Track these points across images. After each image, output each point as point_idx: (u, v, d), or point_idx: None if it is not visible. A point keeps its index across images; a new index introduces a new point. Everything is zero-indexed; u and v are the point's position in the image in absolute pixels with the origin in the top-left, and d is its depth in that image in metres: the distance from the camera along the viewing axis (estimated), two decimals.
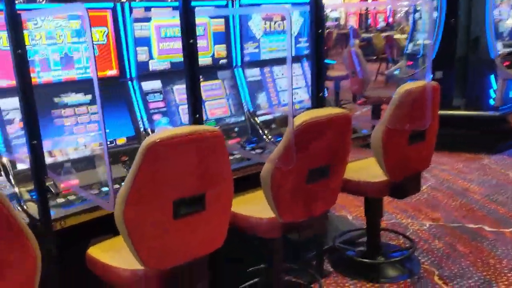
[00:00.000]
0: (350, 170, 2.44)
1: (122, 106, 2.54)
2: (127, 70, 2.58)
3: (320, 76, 2.50)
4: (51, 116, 2.29)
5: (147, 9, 2.63)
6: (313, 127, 1.94)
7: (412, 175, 2.71)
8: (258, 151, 2.73)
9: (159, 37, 2.68)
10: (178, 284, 1.79)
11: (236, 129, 2.87)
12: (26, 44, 2.18)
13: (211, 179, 1.74)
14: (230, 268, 2.57)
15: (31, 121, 1.71)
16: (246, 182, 2.36)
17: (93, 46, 1.37)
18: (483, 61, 5.19)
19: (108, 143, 2.42)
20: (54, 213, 1.90)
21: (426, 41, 5.63)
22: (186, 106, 2.10)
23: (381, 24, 16.51)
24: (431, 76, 3.01)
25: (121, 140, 2.48)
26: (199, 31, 2.83)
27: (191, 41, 1.99)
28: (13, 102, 2.08)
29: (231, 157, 2.49)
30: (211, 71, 2.91)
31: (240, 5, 2.95)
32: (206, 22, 2.87)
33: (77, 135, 2.35)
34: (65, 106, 2.35)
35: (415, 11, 6.25)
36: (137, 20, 2.57)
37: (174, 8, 2.71)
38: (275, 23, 3.20)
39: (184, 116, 2.68)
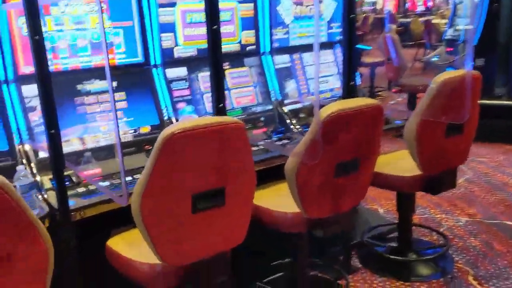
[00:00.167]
0: (381, 163, 2.32)
1: (146, 93, 2.49)
2: (152, 57, 2.52)
3: (351, 64, 2.37)
4: (74, 103, 2.25)
5: None
6: (341, 119, 1.83)
7: (448, 170, 2.56)
8: (285, 141, 2.63)
9: (184, 23, 2.60)
10: (197, 280, 1.74)
11: (262, 119, 2.78)
12: (48, 29, 2.19)
13: (232, 172, 1.66)
14: (252, 261, 2.50)
15: (49, 109, 1.67)
16: (271, 174, 2.27)
17: (104, 32, 1.30)
18: None
19: (132, 131, 2.39)
20: (74, 203, 1.87)
21: (467, 26, 5.35)
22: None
23: (420, 8, 15.95)
24: (472, 64, 2.82)
25: (145, 129, 2.43)
26: (226, 16, 2.74)
27: (215, 27, 1.90)
28: (35, 89, 2.05)
29: (255, 148, 2.40)
30: (238, 58, 2.82)
31: None
32: (234, 7, 2.77)
33: (100, 123, 2.31)
34: (88, 93, 2.31)
35: None
36: (162, 5, 2.50)
37: None
38: (306, 7, 3.07)
39: (209, 105, 2.61)
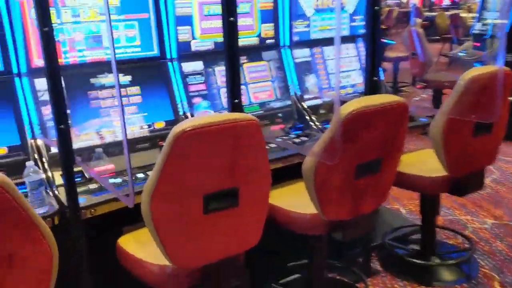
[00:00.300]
0: (404, 163, 2.21)
1: (161, 88, 2.42)
2: (168, 50, 2.45)
3: (374, 58, 2.26)
4: (87, 97, 2.20)
5: None
6: (363, 117, 1.73)
7: (475, 171, 2.43)
8: (303, 138, 2.54)
9: (201, 15, 2.52)
10: (209, 284, 1.67)
11: (280, 115, 2.69)
12: (64, 21, 2.14)
13: (246, 172, 1.58)
14: (267, 261, 2.43)
15: (59, 103, 1.62)
16: (288, 172, 2.19)
17: (110, 25, 1.23)
18: None
19: (146, 126, 2.33)
20: (84, 200, 1.82)
21: (497, 20, 5.13)
22: None
23: (446, 1, 15.55)
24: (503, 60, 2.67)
25: (160, 124, 2.36)
26: (244, 8, 2.65)
27: (231, 18, 1.82)
28: None
29: (272, 145, 2.32)
30: (257, 51, 2.73)
31: None
32: None
33: (114, 117, 2.25)
34: (102, 87, 2.26)
35: None
36: None
37: None
38: None
39: (226, 100, 2.52)
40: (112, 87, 2.28)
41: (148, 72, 2.39)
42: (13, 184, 1.15)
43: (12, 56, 2.03)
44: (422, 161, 2.57)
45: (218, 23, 2.57)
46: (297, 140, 2.51)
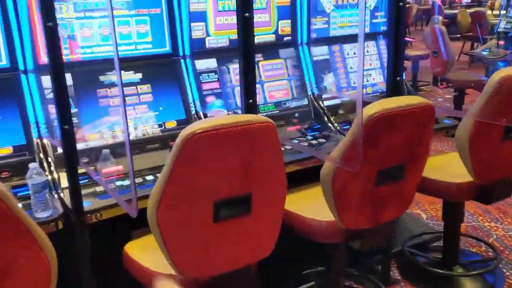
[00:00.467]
0: (427, 167, 2.07)
1: (173, 86, 2.33)
2: (180, 47, 2.35)
3: (398, 57, 2.13)
4: (96, 95, 2.12)
5: None
6: (387, 120, 1.61)
7: (504, 178, 2.29)
8: (321, 140, 2.42)
9: (216, 11, 2.42)
10: None
11: (297, 115, 2.57)
12: (70, 16, 2.06)
13: (259, 177, 1.48)
14: (282, 268, 2.32)
15: (63, 103, 1.53)
16: (305, 175, 2.08)
17: (113, 20, 1.14)
18: None
19: (157, 126, 2.24)
20: (90, 204, 1.74)
21: None
22: None
23: None
24: None
25: (171, 124, 2.27)
26: (261, 3, 2.55)
27: (247, 14, 1.71)
28: None
29: (287, 147, 2.21)
30: (273, 49, 2.62)
31: None
32: None
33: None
34: (112, 85, 2.17)
35: None
36: None
37: None
38: None
39: (240, 99, 2.42)
40: (122, 85, 2.19)
41: (160, 70, 2.30)
42: (8, 193, 1.06)
43: (18, 53, 1.95)
44: (446, 165, 2.43)
45: (233, 19, 2.46)
46: (314, 142, 2.40)
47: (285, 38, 2.67)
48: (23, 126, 1.94)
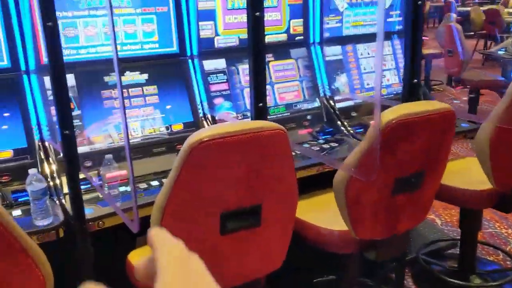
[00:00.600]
0: (444, 172, 1.98)
1: (180, 87, 2.25)
2: (188, 47, 2.27)
3: (415, 58, 2.03)
4: (100, 97, 2.05)
5: None
6: (405, 127, 1.52)
7: None
8: (333, 144, 2.33)
9: (225, 9, 2.34)
10: None
11: (308, 117, 2.48)
12: (75, 14, 1.98)
13: (269, 188, 1.39)
14: (292, 277, 2.23)
15: (64, 106, 1.46)
16: (317, 181, 1.99)
17: (112, 20, 1.06)
18: None
19: (163, 129, 2.16)
20: (91, 211, 1.67)
21: None
22: None
23: None
24: None
25: (178, 126, 2.19)
26: (272, 2, 2.46)
27: (257, 13, 1.62)
28: None
29: (299, 152, 2.12)
30: (284, 49, 2.53)
31: None
32: None
33: (129, 119, 2.09)
34: (116, 86, 2.09)
35: None
36: None
37: None
38: None
39: (249, 101, 2.34)
40: (126, 86, 2.12)
41: (167, 70, 2.22)
42: (2, 209, 0.99)
43: (20, 53, 1.88)
44: (464, 171, 2.33)
45: (243, 17, 2.38)
46: (325, 146, 2.31)
47: (297, 38, 2.58)
48: (24, 129, 1.87)
